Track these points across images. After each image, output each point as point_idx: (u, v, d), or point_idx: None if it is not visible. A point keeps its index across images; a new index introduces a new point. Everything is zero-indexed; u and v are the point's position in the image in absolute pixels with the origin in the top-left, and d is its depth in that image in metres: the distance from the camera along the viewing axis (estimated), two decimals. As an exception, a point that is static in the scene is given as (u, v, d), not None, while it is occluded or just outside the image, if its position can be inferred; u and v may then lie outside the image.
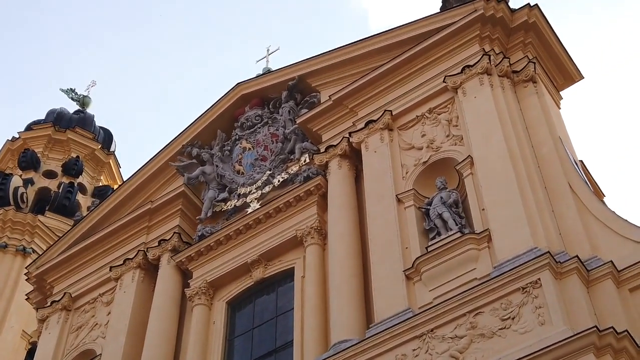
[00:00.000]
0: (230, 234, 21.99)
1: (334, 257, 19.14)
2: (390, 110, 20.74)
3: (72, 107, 45.24)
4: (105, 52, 73.38)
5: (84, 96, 46.36)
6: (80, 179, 40.26)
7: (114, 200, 25.91)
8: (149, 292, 22.86)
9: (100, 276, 24.20)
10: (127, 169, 45.75)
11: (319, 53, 23.63)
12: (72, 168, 39.97)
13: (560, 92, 21.15)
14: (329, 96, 22.27)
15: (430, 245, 17.32)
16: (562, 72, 21.24)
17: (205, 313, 21.32)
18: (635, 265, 14.94)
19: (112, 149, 43.60)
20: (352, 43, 22.92)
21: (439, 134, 19.56)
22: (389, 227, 18.28)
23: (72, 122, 42.65)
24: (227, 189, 23.87)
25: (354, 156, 21.18)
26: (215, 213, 23.56)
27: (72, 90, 46.44)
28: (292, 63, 24.42)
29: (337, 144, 21.40)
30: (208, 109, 25.44)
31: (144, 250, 23.58)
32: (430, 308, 15.94)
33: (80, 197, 39.32)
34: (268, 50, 28.97)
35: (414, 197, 18.72)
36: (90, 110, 45.56)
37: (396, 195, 18.85)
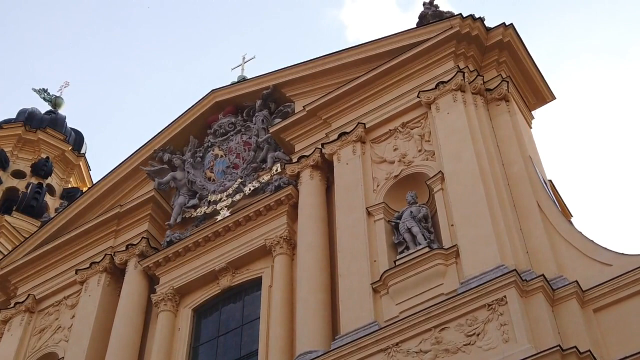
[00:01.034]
0: (199, 241, 21.90)
1: (302, 267, 19.12)
2: (364, 123, 20.81)
3: (44, 107, 44.90)
4: (79, 53, 72.98)
5: (57, 97, 46.02)
6: (49, 180, 39.92)
7: (82, 203, 25.72)
8: (114, 297, 22.68)
9: (66, 279, 23.99)
10: (98, 172, 45.40)
11: (295, 63, 23.73)
12: (42, 169, 39.62)
13: (532, 112, 21.34)
14: (303, 106, 22.30)
15: (399, 259, 17.36)
16: (535, 92, 21.45)
17: (170, 319, 21.19)
18: (600, 286, 15.07)
19: (82, 151, 43.27)
20: (328, 54, 23.00)
21: (411, 149, 19.65)
22: (358, 240, 18.31)
23: (44, 123, 42.30)
24: (197, 195, 23.79)
25: (325, 167, 21.20)
26: (185, 219, 23.46)
27: (45, 91, 46.08)
28: (267, 72, 24.48)
29: (310, 155, 21.42)
30: (181, 115, 25.37)
31: (111, 254, 23.42)
32: (396, 322, 15.97)
33: (48, 198, 38.99)
34: (244, 58, 29.01)
35: (384, 211, 18.77)
36: (62, 111, 45.23)
37: (366, 208, 18.89)
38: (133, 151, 25.49)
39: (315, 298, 18.27)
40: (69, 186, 41.07)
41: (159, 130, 25.39)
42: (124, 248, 23.30)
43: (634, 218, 51.80)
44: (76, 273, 23.60)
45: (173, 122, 25.37)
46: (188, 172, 24.36)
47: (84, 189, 36.49)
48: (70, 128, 43.93)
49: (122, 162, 25.49)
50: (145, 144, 25.39)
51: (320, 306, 18.12)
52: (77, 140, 43.45)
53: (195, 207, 23.54)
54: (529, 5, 59.84)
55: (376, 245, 18.08)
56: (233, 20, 70.12)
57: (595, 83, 55.30)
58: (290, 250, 20.35)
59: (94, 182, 31.74)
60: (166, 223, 23.64)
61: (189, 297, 21.57)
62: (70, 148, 41.92)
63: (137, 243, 23.13)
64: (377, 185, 19.52)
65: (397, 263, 17.25)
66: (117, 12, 71.31)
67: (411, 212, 18.19)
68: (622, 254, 15.57)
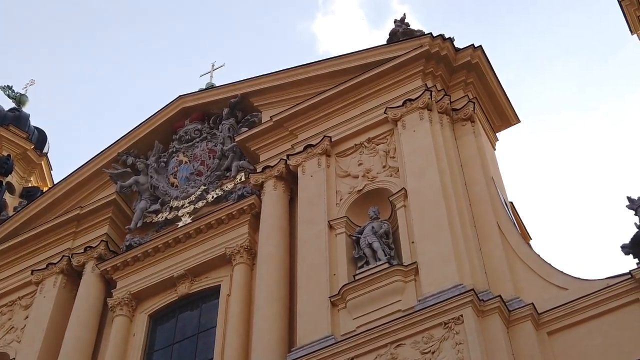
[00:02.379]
0: (158, 247, 21.76)
1: (262, 277, 19.08)
2: (330, 137, 20.86)
3: (7, 104, 44.26)
4: (47, 52, 72.21)
5: (21, 94, 45.37)
6: (9, 178, 39.32)
7: (42, 203, 25.42)
8: (70, 299, 22.41)
9: (21, 279, 23.66)
10: (59, 172, 44.85)
11: (264, 73, 23.72)
12: (2, 166, 38.97)
13: (497, 134, 21.56)
14: (270, 117, 22.30)
15: (358, 274, 17.39)
16: (500, 114, 21.68)
17: (125, 324, 21.00)
18: (556, 310, 15.26)
19: (45, 151, 42.71)
20: (297, 66, 23.03)
21: (376, 164, 19.74)
22: (319, 252, 18.31)
23: (6, 120, 41.69)
24: (159, 200, 23.64)
25: (290, 179, 21.20)
26: (146, 224, 23.29)
27: (9, 88, 45.39)
28: (236, 81, 24.45)
29: (274, 165, 21.40)
30: (147, 119, 25.22)
31: (68, 256, 23.16)
32: (353, 336, 16.00)
33: (7, 196, 38.36)
34: (213, 65, 28.89)
35: (346, 225, 18.81)
36: (26, 109, 44.60)
37: (328, 221, 18.91)
38: (97, 153, 25.28)
39: (273, 309, 18.23)
40: (30, 185, 40.48)
41: (124, 134, 25.23)
42: (82, 250, 23.06)
43: (591, 243, 52.45)
44: (32, 273, 23.29)
45: (138, 125, 25.21)
46: (151, 176, 24.20)
47: (45, 189, 36.00)
48: (34, 127, 43.36)
49: (85, 163, 25.26)
50: (109, 146, 25.19)
51: (277, 317, 18.08)
52: (40, 139, 42.87)
53: (156, 212, 23.39)
54: (499, 29, 60.54)
55: (336, 259, 18.10)
56: (204, 27, 69.94)
57: (558, 108, 56.02)
58: (250, 260, 20.29)
59: (55, 182, 31.35)
60: (126, 227, 23.44)
61: (146, 303, 21.39)
62: (32, 147, 41.34)
63: (96, 246, 22.90)
64: (340, 199, 19.56)
65: (357, 278, 17.27)
66: (86, 14, 70.81)
67: (373, 227, 18.24)
68: (578, 278, 15.79)
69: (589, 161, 55.57)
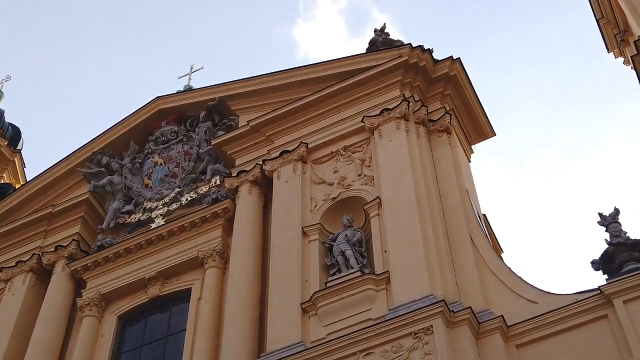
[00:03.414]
0: (130, 248, 21.65)
1: (233, 282, 19.03)
2: (307, 143, 20.87)
3: (-19, 100, 43.82)
4: (24, 48, 71.62)
5: (-4, 90, 44.99)
6: (-19, 174, 38.94)
7: (14, 200, 25.18)
8: (39, 298, 22.21)
9: (-10, 276, 23.39)
10: (33, 170, 44.43)
11: (243, 77, 23.70)
12: (-26, 162, 38.66)
13: (472, 146, 21.68)
14: (247, 121, 22.27)
15: (330, 281, 17.39)
16: (476, 127, 21.82)
17: (94, 325, 20.86)
18: (525, 323, 15.35)
19: (19, 147, 42.34)
20: (276, 72, 23.05)
21: (351, 172, 19.77)
22: (291, 259, 18.30)
23: (-20, 116, 41.33)
24: (133, 201, 23.52)
25: (265, 184, 21.18)
26: (118, 225, 23.16)
27: (-16, 83, 44.98)
28: (214, 84, 24.42)
29: (250, 170, 21.38)
30: (124, 119, 25.10)
31: (39, 254, 22.97)
32: (322, 343, 16.00)
33: (-22, 192, 37.99)
34: (192, 67, 28.81)
35: (320, 232, 18.81)
36: (1, 105, 44.27)
37: (302, 228, 18.91)
38: (71, 151, 25.12)
39: (243, 314, 18.19)
40: (2, 182, 40.08)
41: (100, 133, 25.10)
42: (53, 249, 22.88)
43: (562, 258, 52.88)
44: (1, 271, 23.07)
45: (114, 125, 25.09)
46: (125, 177, 24.08)
47: (17, 186, 35.66)
48: (8, 123, 43.01)
49: (59, 161, 25.07)
50: (84, 145, 25.05)
51: (247, 322, 18.04)
52: (14, 135, 42.48)
53: (129, 213, 23.27)
54: (478, 42, 60.89)
55: (309, 266, 18.09)
56: (183, 29, 69.67)
57: (533, 123, 56.42)
58: (222, 264, 20.24)
59: (28, 180, 31.10)
60: (98, 227, 23.29)
61: (116, 304, 21.27)
62: (6, 143, 41.02)
63: (67, 245, 22.74)
64: (315, 206, 19.57)
65: (328, 285, 17.28)
66: (67, 10, 70.29)
67: (346, 235, 18.27)
68: (548, 292, 15.91)
69: (562, 177, 56.03)
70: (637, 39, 20.75)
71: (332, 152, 20.52)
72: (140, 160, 24.42)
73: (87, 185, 24.34)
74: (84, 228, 23.43)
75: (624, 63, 29.26)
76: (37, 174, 25.39)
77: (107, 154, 24.67)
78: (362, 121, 20.40)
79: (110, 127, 25.10)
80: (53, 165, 25.11)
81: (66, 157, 25.09)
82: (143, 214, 22.96)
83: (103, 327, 20.90)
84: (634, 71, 21.04)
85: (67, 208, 23.65)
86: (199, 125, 23.96)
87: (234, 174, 21.70)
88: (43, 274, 22.79)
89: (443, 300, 15.33)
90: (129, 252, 21.66)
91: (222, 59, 64.68)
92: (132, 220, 23.03)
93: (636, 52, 20.36)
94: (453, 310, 15.32)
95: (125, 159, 24.54)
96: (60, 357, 20.74)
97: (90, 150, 24.88)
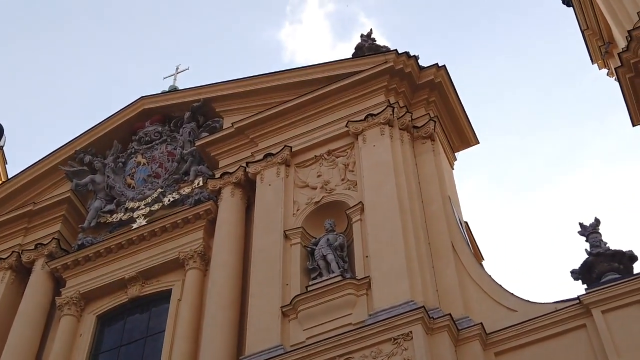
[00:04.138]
0: (111, 247, 21.56)
1: (214, 284, 18.99)
2: (291, 147, 20.88)
3: (-36, 95, 43.56)
4: (7, 44, 71.19)
5: (-21, 86, 44.71)
6: (-38, 170, 38.65)
7: (-6, 196, 25.00)
8: (17, 296, 22.07)
9: (-31, 273, 23.21)
10: (14, 167, 44.14)
11: (228, 79, 23.67)
12: (-45, 158, 38.37)
13: (455, 153, 21.77)
14: (232, 123, 22.25)
15: (311, 285, 17.40)
16: (460, 134, 21.90)
17: (73, 324, 20.76)
18: (504, 331, 15.42)
19: (0, 144, 42.12)
20: (261, 75, 23.04)
21: (335, 177, 19.79)
22: (273, 262, 18.28)
23: (-38, 111, 41.06)
24: (115, 201, 23.44)
25: (247, 186, 21.16)
26: (99, 224, 23.06)
27: (-33, 79, 44.67)
28: (199, 85, 24.37)
29: (233, 172, 21.35)
30: (107, 118, 25.02)
31: (18, 252, 22.82)
32: (302, 347, 15.99)
33: (-41, 188, 37.70)
34: (177, 68, 28.68)
35: (302, 235, 18.81)
36: (-17, 100, 43.97)
37: (284, 231, 18.90)
38: (54, 149, 25.02)
39: (223, 316, 18.15)
40: (-18, 178, 39.82)
41: (83, 131, 24.99)
42: (33, 247, 22.75)
43: (542, 267, 53.11)
44: (-20, 268, 22.90)
45: (98, 124, 25.00)
46: (108, 176, 23.99)
47: (-2, 183, 35.45)
48: (-10, 119, 42.74)
49: (41, 159, 24.94)
50: (67, 143, 24.93)
51: (227, 325, 18.01)
52: (-5, 131, 42.23)
53: (111, 212, 23.18)
54: (463, 49, 61.11)
55: (290, 269, 18.09)
56: (170, 29, 69.47)
57: (517, 132, 56.69)
58: (203, 265, 20.19)
59: (9, 177, 30.90)
60: (80, 226, 23.18)
61: (95, 304, 21.17)
62: (-12, 139, 40.74)
63: (47, 243, 22.62)
64: (297, 210, 19.57)
65: (309, 289, 17.28)
66: (51, 6, 69.88)
67: (328, 239, 18.28)
68: (528, 301, 15.99)
69: (544, 186, 56.30)
70: (621, 51, 20.89)
71: (315, 156, 20.53)
72: (123, 160, 24.34)
73: (69, 184, 24.23)
74: (65, 226, 23.32)
75: (607, 74, 29.46)
76: (19, 171, 25.25)
77: (90, 153, 24.57)
78: (346, 126, 20.43)
79: (94, 126, 25.01)
80: (35, 163, 24.96)
81: (48, 154, 24.96)
82: (125, 214, 22.88)
83: (82, 326, 20.79)
84: (617, 83, 21.18)
85: (49, 206, 23.53)
86: (183, 126, 23.91)
87: (217, 175, 21.67)
88: (22, 272, 22.64)
89: (423, 306, 15.36)
90: (109, 251, 21.57)
91: (208, 60, 64.57)
92: (114, 220, 22.95)
93: (620, 64, 20.49)
94: (433, 317, 15.36)
95: (108, 158, 24.45)
96: (37, 356, 20.62)
97: (73, 148, 24.77)
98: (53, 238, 22.76)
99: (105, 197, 23.66)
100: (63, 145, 24.93)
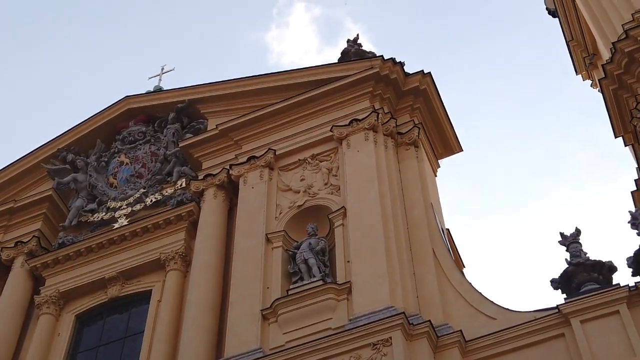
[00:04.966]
0: (91, 247, 21.46)
1: (194, 286, 18.94)
2: (274, 150, 20.86)
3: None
4: (-8, 40, 70.69)
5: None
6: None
7: (-25, 193, 24.82)
8: (-4, 294, 21.91)
9: (-53, 269, 23.04)
10: (-4, 163, 43.87)
11: (213, 81, 23.63)
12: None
13: (439, 160, 21.83)
14: (216, 125, 22.21)
15: (292, 289, 17.38)
16: (444, 141, 21.96)
17: (51, 323, 20.64)
18: (483, 338, 15.48)
19: (-17, 140, 41.89)
20: (247, 77, 23.03)
21: (318, 181, 19.79)
22: (254, 265, 18.26)
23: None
24: (97, 200, 23.33)
25: (230, 188, 21.13)
26: (81, 223, 22.95)
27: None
28: (184, 86, 24.32)
29: (216, 174, 21.31)
30: (91, 117, 24.92)
31: (-3, 249, 22.66)
32: (281, 351, 16.00)
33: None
34: (163, 68, 28.58)
35: (284, 239, 18.80)
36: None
37: (266, 234, 18.88)
38: (36, 147, 24.85)
39: (203, 318, 18.10)
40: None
41: (66, 129, 24.88)
42: (13, 245, 22.59)
43: (523, 276, 53.33)
44: (-42, 264, 22.74)
45: (82, 122, 24.89)
46: (90, 175, 23.88)
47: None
48: (-27, 115, 42.49)
49: (23, 156, 24.80)
50: (49, 141, 24.80)
51: (207, 327, 17.96)
52: (-22, 128, 42.02)
53: (92, 211, 23.08)
54: (449, 57, 61.29)
55: (271, 273, 18.07)
56: (156, 30, 69.21)
57: (500, 140, 56.91)
58: (184, 267, 20.14)
59: (-10, 173, 30.66)
60: (60, 224, 23.06)
61: (74, 303, 21.06)
62: (-30, 135, 40.52)
63: (28, 241, 22.48)
64: (280, 213, 19.56)
65: (290, 292, 17.27)
66: (35, 4, 69.50)
67: (310, 243, 18.27)
68: (507, 309, 16.06)
69: (526, 194, 56.50)
70: (605, 62, 21.05)
71: (299, 159, 20.53)
72: (106, 159, 24.24)
73: (50, 182, 24.12)
74: (46, 225, 23.19)
75: (591, 86, 29.69)
76: (0, 168, 25.06)
77: (73, 152, 24.46)
78: (331, 130, 20.45)
79: (78, 124, 24.89)
80: (17, 160, 24.82)
81: (31, 152, 24.83)
82: (106, 214, 22.79)
83: (60, 325, 20.68)
84: (600, 94, 21.33)
85: (30, 204, 23.40)
86: (167, 126, 23.85)
87: (201, 177, 21.63)
88: (1, 270, 22.49)
89: (403, 312, 15.40)
90: (90, 251, 21.47)
91: (194, 61, 64.36)
92: (95, 219, 22.85)
93: (604, 76, 20.65)
94: (412, 323, 15.40)
95: (91, 157, 24.34)
96: (15, 355, 20.46)
97: (56, 146, 24.64)
98: (33, 236, 22.63)
99: (87, 196, 23.55)
100: (46, 143, 24.82)
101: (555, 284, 15.91)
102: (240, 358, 16.23)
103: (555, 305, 15.32)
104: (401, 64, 21.14)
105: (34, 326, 20.78)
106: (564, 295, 15.54)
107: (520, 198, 56.45)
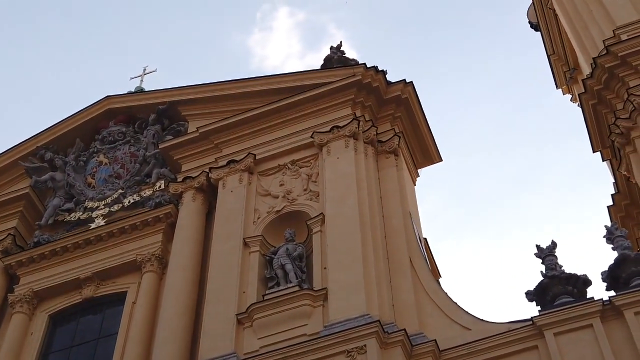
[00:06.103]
0: (67, 246, 21.33)
1: (170, 288, 18.88)
2: (254, 154, 20.85)
3: None
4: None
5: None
6: None
7: (-49, 190, 24.59)
8: (-31, 291, 21.71)
9: None
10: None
11: (195, 83, 23.57)
12: None
13: (418, 170, 21.89)
14: (197, 128, 22.16)
15: (268, 294, 17.36)
16: (424, 151, 22.03)
17: (24, 322, 20.48)
18: (457, 348, 15.53)
19: (-40, 135, 41.54)
20: (229, 81, 23.00)
21: (297, 187, 19.80)
22: (230, 269, 18.22)
23: None
24: (74, 199, 23.19)
25: (209, 192, 21.08)
26: (57, 222, 22.80)
27: None
28: (166, 88, 24.25)
29: (196, 177, 21.26)
30: (71, 116, 24.77)
31: (-27, 247, 22.45)
32: (255, 356, 15.98)
33: None
34: (145, 69, 28.46)
35: (261, 244, 18.78)
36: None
37: (244, 239, 18.85)
38: (14, 144, 24.68)
39: (178, 321, 18.05)
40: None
41: (45, 128, 24.71)
42: (-12, 243, 22.41)
43: (498, 287, 53.62)
44: None
45: (61, 121, 24.74)
46: (68, 174, 23.74)
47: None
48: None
49: (1, 153, 24.60)
50: (28, 139, 24.63)
51: (181, 330, 17.91)
52: (-44, 123, 41.64)
53: (69, 211, 22.93)
54: (430, 67, 61.55)
55: (248, 277, 18.04)
56: (138, 30, 68.93)
57: (479, 151, 57.20)
58: (160, 269, 20.07)
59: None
60: (36, 223, 22.90)
61: (48, 302, 20.91)
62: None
63: (3, 239, 22.31)
64: (258, 218, 19.54)
65: (266, 297, 17.25)
66: (17, 2, 69.07)
67: (287, 249, 18.26)
68: (482, 320, 16.14)
69: (504, 206, 56.80)
70: (585, 77, 21.22)
71: (279, 165, 20.52)
72: (84, 159, 24.11)
73: (28, 180, 23.95)
74: (22, 223, 23.02)
75: (571, 100, 29.92)
76: (-23, 165, 24.87)
77: (52, 150, 24.31)
78: (311, 137, 20.46)
79: (57, 123, 24.74)
80: (-6, 157, 24.63)
81: (9, 149, 24.65)
82: (83, 213, 22.65)
83: (33, 325, 20.52)
84: (580, 109, 21.51)
85: (6, 201, 23.23)
86: (148, 128, 23.75)
87: (180, 179, 21.58)
88: (-25, 267, 22.29)
89: (378, 320, 15.42)
90: (65, 250, 21.34)
91: (176, 63, 64.20)
92: (72, 219, 22.71)
93: (584, 91, 20.81)
94: (387, 331, 15.42)
95: (69, 156, 24.20)
96: (-14, 353, 20.30)
97: (35, 144, 24.48)
98: (9, 234, 22.46)
99: (64, 195, 23.41)
100: (24, 141, 24.64)
101: (530, 296, 15.98)
102: (214, 362, 16.19)
103: (529, 317, 15.40)
104: (383, 72, 21.20)
105: (7, 325, 20.61)
106: (539, 308, 15.62)
107: (497, 210, 56.82)
